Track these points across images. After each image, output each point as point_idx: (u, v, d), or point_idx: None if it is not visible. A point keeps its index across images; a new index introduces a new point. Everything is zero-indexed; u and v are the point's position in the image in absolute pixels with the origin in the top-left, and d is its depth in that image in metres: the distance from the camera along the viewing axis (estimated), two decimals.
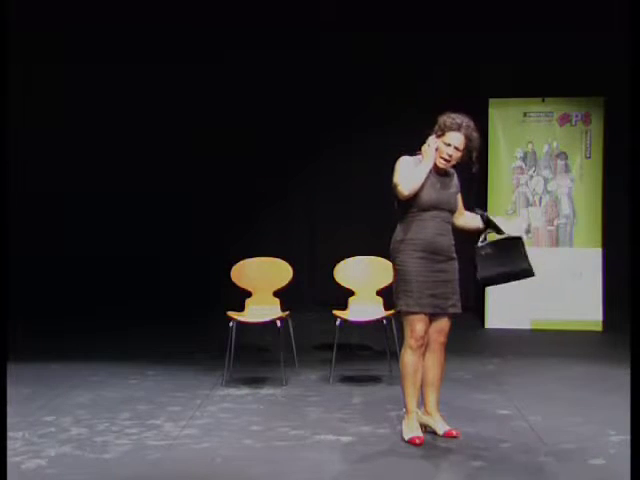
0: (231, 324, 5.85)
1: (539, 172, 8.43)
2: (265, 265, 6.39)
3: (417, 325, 4.47)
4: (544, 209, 8.40)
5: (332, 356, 5.95)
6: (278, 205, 8.90)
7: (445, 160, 4.52)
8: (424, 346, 4.54)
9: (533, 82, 8.31)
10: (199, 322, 8.18)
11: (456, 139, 4.48)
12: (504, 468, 4.12)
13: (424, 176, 4.49)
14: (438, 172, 4.57)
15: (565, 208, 8.39)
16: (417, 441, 4.45)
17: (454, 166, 4.63)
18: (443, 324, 4.57)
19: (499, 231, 4.65)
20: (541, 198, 8.41)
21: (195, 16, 8.54)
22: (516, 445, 4.45)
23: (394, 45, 8.48)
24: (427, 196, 4.50)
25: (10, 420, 4.44)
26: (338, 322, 5.92)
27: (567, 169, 8.39)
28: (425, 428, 4.62)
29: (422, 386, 4.63)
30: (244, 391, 5.70)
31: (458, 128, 4.48)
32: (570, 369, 6.39)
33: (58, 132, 8.82)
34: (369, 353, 7.05)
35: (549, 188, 8.42)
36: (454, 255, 4.60)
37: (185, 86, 8.78)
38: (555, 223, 8.40)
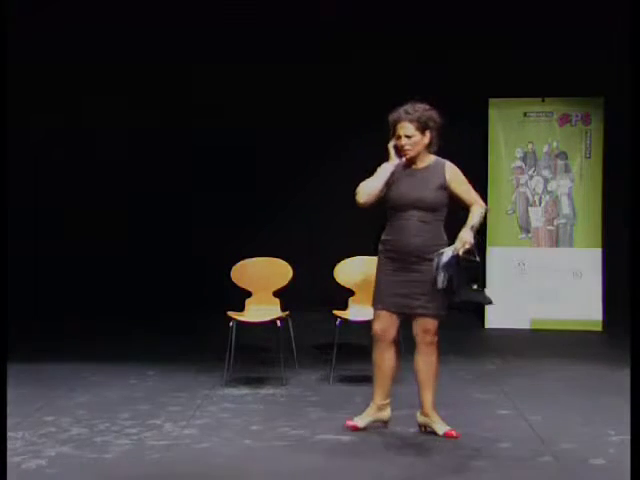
0: (231, 324, 5.85)
1: (539, 172, 8.42)
2: (265, 265, 6.39)
3: (377, 321, 4.61)
4: (544, 209, 8.40)
5: (332, 356, 5.95)
6: (278, 205, 8.89)
7: (406, 152, 4.51)
8: (386, 342, 4.61)
9: (533, 82, 8.31)
10: (199, 322, 8.18)
11: (401, 128, 4.50)
12: (504, 468, 4.12)
13: (380, 181, 4.53)
14: (417, 170, 4.57)
15: (565, 208, 8.38)
16: (349, 423, 4.67)
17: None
18: (426, 324, 4.53)
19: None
20: (541, 198, 8.41)
21: (195, 17, 8.52)
22: (516, 445, 4.45)
23: (394, 45, 8.47)
24: (397, 195, 4.54)
25: (10, 420, 4.43)
26: (338, 322, 5.91)
27: (567, 169, 8.39)
28: (425, 428, 4.63)
29: (417, 387, 4.66)
30: (244, 391, 5.70)
31: (399, 118, 4.51)
32: (570, 369, 6.39)
33: (58, 132, 8.82)
34: (369, 353, 7.03)
35: (549, 188, 8.41)
36: (431, 256, 4.45)
37: (185, 86, 8.78)
38: (555, 223, 8.39)
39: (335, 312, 5.98)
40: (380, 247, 4.63)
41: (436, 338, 4.57)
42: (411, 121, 4.48)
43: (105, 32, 8.56)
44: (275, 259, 6.39)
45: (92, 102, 8.82)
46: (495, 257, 8.38)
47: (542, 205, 8.41)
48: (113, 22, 8.47)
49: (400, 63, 8.50)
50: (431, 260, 4.41)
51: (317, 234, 9.01)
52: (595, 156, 8.33)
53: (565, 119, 8.38)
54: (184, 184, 8.87)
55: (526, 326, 8.25)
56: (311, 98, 8.62)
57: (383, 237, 4.61)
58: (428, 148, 4.57)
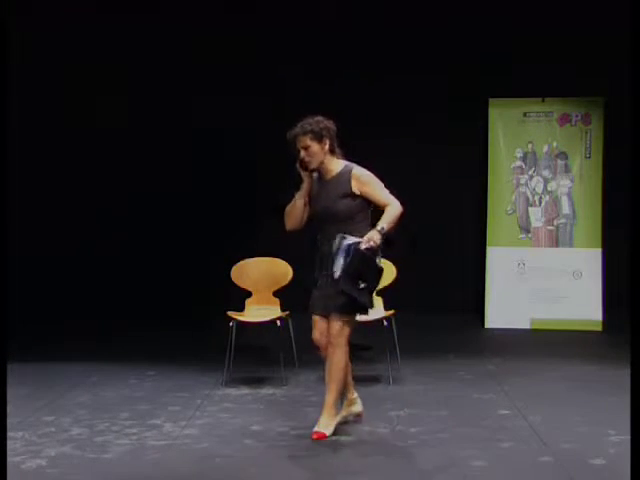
0: (231, 324, 5.85)
1: (539, 172, 8.42)
2: (265, 265, 6.39)
3: (314, 328, 4.69)
4: (544, 209, 8.40)
5: None
6: (278, 205, 8.87)
7: (307, 163, 4.62)
8: (324, 347, 4.65)
9: (533, 82, 8.31)
10: (199, 322, 8.18)
11: (298, 142, 4.63)
12: (504, 468, 4.12)
13: (298, 205, 4.70)
14: (325, 181, 4.66)
15: (565, 208, 8.38)
16: (314, 436, 4.56)
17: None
18: (330, 325, 4.58)
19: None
20: (541, 198, 8.41)
21: (193, 17, 8.53)
22: (516, 445, 4.46)
23: (393, 45, 8.48)
24: (311, 208, 4.70)
25: (10, 420, 4.44)
26: None
27: (567, 169, 8.39)
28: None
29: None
30: (244, 391, 5.70)
31: (295, 134, 4.65)
32: (570, 369, 6.39)
33: (58, 132, 8.82)
34: (369, 353, 7.05)
35: (549, 188, 8.41)
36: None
37: (185, 86, 8.78)
38: (555, 223, 8.39)
39: None
40: None
41: (339, 340, 4.55)
42: (305, 133, 4.61)
43: (106, 32, 8.58)
44: (275, 259, 6.39)
45: (91, 102, 8.82)
46: (495, 257, 8.38)
47: (542, 205, 8.41)
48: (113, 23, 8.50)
49: (400, 63, 8.50)
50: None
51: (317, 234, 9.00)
52: (595, 156, 8.33)
53: (565, 119, 8.38)
54: (184, 184, 8.86)
55: (526, 326, 8.25)
56: (310, 98, 8.61)
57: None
58: (332, 155, 4.65)
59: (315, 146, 4.59)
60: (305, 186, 4.68)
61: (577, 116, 8.36)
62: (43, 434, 4.67)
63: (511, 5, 8.15)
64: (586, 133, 8.35)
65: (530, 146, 8.43)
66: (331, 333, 4.57)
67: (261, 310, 6.13)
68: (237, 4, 8.45)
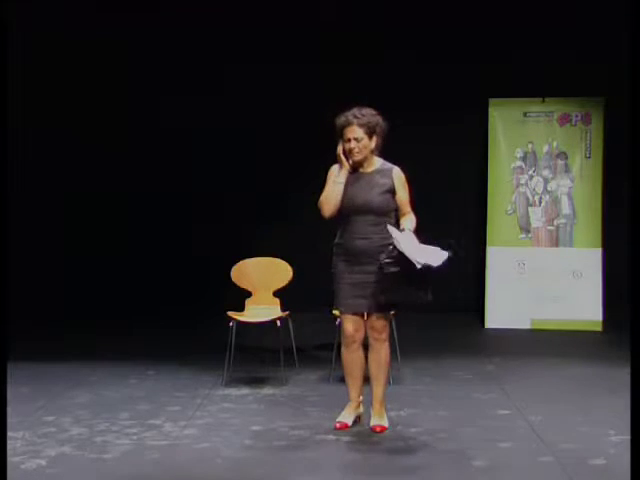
0: (231, 324, 5.85)
1: (539, 172, 8.42)
2: (265, 265, 6.39)
3: (344, 324, 4.72)
4: (544, 209, 8.40)
5: (332, 356, 5.95)
6: (278, 205, 8.88)
7: (354, 155, 4.60)
8: (357, 343, 4.72)
9: (533, 82, 8.31)
10: (199, 322, 8.18)
11: (350, 132, 4.59)
12: (504, 468, 4.12)
13: (339, 190, 4.63)
14: (364, 174, 4.67)
15: (565, 208, 8.38)
16: (337, 425, 4.72)
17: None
18: (374, 322, 4.67)
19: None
20: (541, 198, 8.41)
21: (194, 18, 8.53)
22: (516, 445, 4.46)
23: (394, 45, 8.47)
24: (345, 200, 4.63)
25: (10, 420, 4.44)
26: (338, 322, 5.90)
27: (567, 169, 8.38)
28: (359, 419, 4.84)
29: (370, 382, 4.79)
30: (244, 391, 5.70)
31: (348, 122, 4.59)
32: (570, 369, 6.39)
33: (59, 132, 8.81)
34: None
35: (549, 188, 8.41)
36: (379, 257, 4.54)
37: (185, 86, 8.78)
38: (555, 223, 8.39)
39: (335, 312, 5.98)
40: (333, 250, 4.75)
41: (384, 335, 4.69)
42: (360, 125, 4.59)
43: (105, 32, 8.58)
44: (275, 259, 6.39)
45: (92, 102, 8.82)
46: (495, 257, 8.38)
47: (542, 205, 8.40)
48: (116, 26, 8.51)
49: (400, 63, 8.50)
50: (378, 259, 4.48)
51: (317, 234, 9.00)
52: (595, 156, 8.32)
53: (565, 119, 8.38)
54: (184, 183, 8.86)
55: (526, 326, 8.25)
56: (310, 98, 8.62)
57: (336, 240, 4.73)
58: (373, 152, 4.69)
59: (365, 140, 4.60)
60: (343, 174, 4.66)
61: (577, 116, 8.36)
62: (43, 434, 4.67)
63: (511, 5, 8.15)
64: (586, 133, 8.34)
65: (530, 146, 8.43)
66: (376, 329, 4.66)
67: (261, 310, 6.13)
68: (237, 3, 8.46)
